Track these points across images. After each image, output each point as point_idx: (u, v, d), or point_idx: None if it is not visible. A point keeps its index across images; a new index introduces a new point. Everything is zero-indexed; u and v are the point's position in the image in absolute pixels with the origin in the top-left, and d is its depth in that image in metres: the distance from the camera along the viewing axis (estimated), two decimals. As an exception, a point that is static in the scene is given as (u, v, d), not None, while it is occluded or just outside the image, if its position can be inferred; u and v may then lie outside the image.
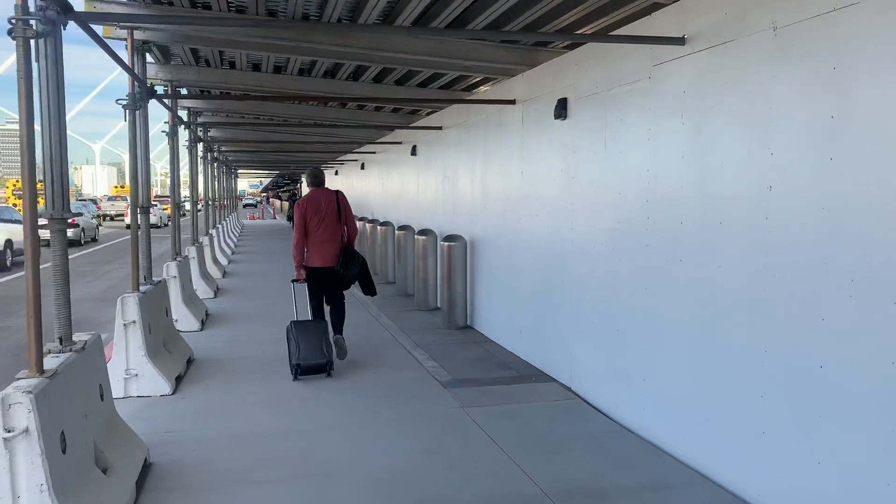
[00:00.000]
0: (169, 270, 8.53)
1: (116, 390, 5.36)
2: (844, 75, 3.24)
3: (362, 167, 18.98)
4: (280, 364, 6.69)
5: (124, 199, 41.13)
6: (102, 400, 4.09)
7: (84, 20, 4.09)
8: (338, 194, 6.94)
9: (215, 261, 14.52)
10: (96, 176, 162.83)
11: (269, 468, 4.32)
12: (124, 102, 6.13)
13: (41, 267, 3.45)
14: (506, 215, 7.59)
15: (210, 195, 16.68)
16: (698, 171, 4.29)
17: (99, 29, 6.29)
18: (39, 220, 3.49)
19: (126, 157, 6.37)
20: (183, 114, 11.68)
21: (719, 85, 4.10)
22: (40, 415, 3.07)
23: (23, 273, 3.43)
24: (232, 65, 9.52)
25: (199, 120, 13.62)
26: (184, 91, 10.72)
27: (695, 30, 4.34)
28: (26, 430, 3.03)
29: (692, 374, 4.35)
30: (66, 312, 3.79)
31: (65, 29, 3.71)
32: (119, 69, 6.27)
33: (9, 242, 16.73)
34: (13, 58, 3.32)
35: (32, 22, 3.35)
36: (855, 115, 3.19)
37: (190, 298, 9.00)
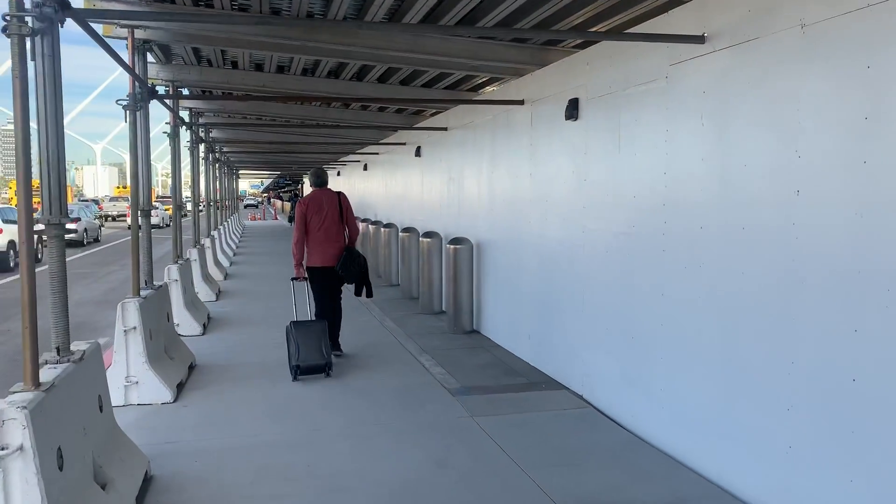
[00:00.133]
0: (170, 274, 8.38)
1: (116, 398, 5.22)
2: (880, 74, 3.09)
3: (365, 168, 18.84)
4: (284, 370, 6.56)
5: (126, 199, 41.05)
6: (101, 412, 3.94)
7: (82, 17, 3.93)
8: (339, 195, 7.05)
9: (217, 263, 14.37)
10: (97, 176, 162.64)
11: (274, 482, 4.17)
12: (125, 103, 5.98)
13: (38, 270, 3.30)
14: (514, 218, 7.44)
15: (211, 196, 16.54)
16: (719, 173, 4.14)
17: (99, 28, 6.15)
18: (36, 225, 3.35)
19: (127, 158, 6.22)
20: (184, 114, 11.53)
21: (742, 85, 3.94)
22: (36, 431, 2.92)
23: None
24: (234, 65, 9.37)
25: (201, 121, 13.48)
26: (185, 91, 10.57)
27: (715, 28, 4.18)
28: (21, 448, 2.88)
29: (713, 384, 4.19)
30: (64, 322, 3.64)
31: (62, 26, 3.56)
32: (121, 69, 6.12)
33: (12, 244, 16.60)
34: (12, 57, 3.18)
35: (28, 19, 3.20)
36: (891, 116, 3.03)
37: (192, 302, 8.85)
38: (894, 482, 3.02)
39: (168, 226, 30.58)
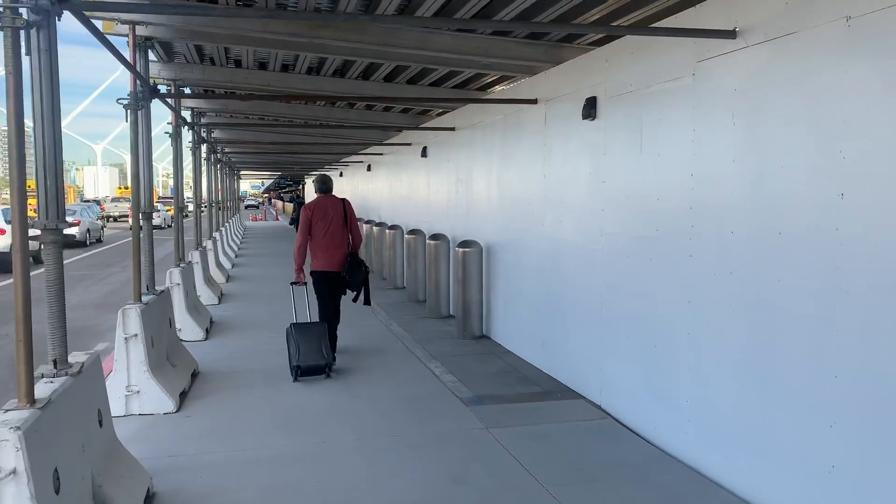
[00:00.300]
0: (172, 277, 8.17)
1: (117, 408, 5.02)
2: (937, 69, 2.88)
3: (368, 168, 18.61)
4: (289, 377, 6.37)
5: (128, 199, 40.93)
6: (101, 426, 3.73)
7: (80, 10, 3.73)
8: (344, 202, 7.16)
9: (219, 265, 14.15)
10: (98, 177, 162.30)
11: (283, 500, 3.95)
12: (126, 102, 5.77)
13: (36, 273, 3.10)
14: (526, 220, 7.22)
15: (213, 197, 16.32)
16: (753, 175, 3.92)
17: (99, 24, 5.93)
18: (31, 230, 3.15)
19: (128, 159, 6.01)
20: (186, 114, 11.32)
21: (779, 82, 3.73)
22: (30, 453, 2.72)
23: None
24: (238, 63, 9.15)
25: (203, 120, 13.26)
26: (187, 90, 10.35)
27: (748, 22, 3.97)
28: (14, 472, 2.67)
29: (745, 397, 3.98)
30: (61, 333, 3.43)
31: (59, 20, 3.36)
32: (122, 69, 5.91)
33: None
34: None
35: (22, 10, 3.01)
36: (949, 114, 2.82)
37: (194, 306, 8.64)
38: (953, 508, 2.81)
39: (170, 226, 30.44)
